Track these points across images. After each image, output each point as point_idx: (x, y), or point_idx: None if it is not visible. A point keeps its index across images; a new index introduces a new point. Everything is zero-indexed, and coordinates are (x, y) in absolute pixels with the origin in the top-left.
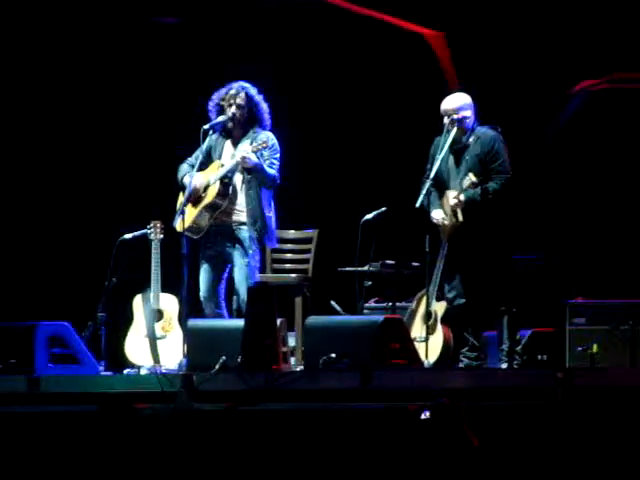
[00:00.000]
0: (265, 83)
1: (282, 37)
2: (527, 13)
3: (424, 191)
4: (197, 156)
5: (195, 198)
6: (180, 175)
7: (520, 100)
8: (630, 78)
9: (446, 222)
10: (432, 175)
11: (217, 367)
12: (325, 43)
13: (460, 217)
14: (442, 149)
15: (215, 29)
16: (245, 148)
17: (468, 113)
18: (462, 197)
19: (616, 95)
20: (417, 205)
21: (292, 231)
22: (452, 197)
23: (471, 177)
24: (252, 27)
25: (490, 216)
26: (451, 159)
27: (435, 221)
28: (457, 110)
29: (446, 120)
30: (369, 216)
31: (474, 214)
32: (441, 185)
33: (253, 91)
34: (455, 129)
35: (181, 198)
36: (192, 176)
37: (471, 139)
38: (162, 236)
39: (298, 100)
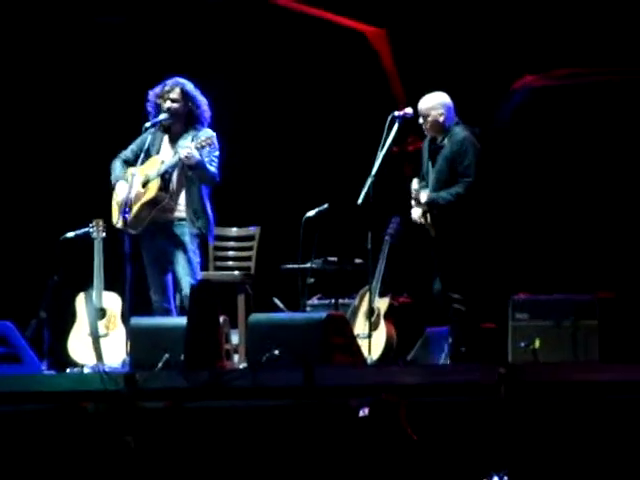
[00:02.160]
0: (206, 79)
1: (223, 34)
2: (468, 9)
3: (366, 188)
4: (132, 150)
5: (133, 197)
6: (113, 175)
7: (463, 97)
8: (571, 74)
9: (422, 221)
10: (374, 172)
11: (160, 365)
12: (267, 41)
13: (429, 219)
14: (382, 146)
15: (158, 27)
16: (187, 145)
17: (439, 112)
18: (423, 198)
19: (556, 92)
20: (359, 202)
21: (234, 228)
22: (417, 195)
23: (414, 183)
24: (193, 25)
25: (455, 218)
26: (429, 160)
27: (414, 220)
28: (429, 110)
29: (421, 120)
30: (311, 213)
31: (440, 216)
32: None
33: (189, 86)
34: (396, 127)
35: (116, 196)
36: (125, 181)
37: (446, 139)
38: (104, 234)
39: (240, 96)
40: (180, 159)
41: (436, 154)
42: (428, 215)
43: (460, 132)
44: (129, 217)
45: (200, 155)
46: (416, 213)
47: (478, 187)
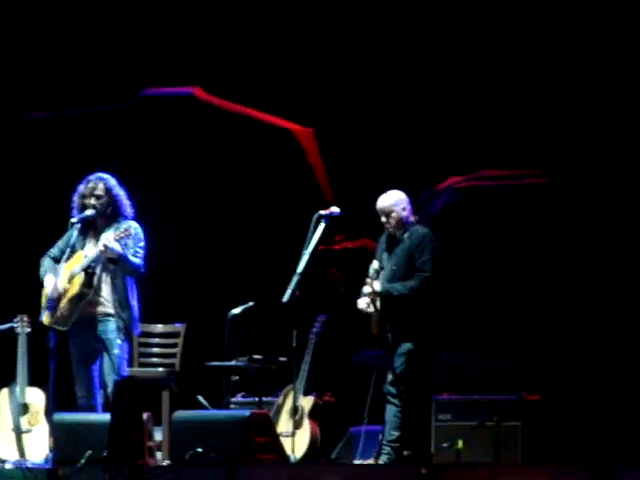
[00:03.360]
0: (132, 174)
1: (151, 129)
2: (396, 110)
3: (291, 286)
4: (59, 247)
5: (60, 292)
6: (42, 270)
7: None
8: (496, 176)
9: (369, 310)
10: (299, 270)
11: (83, 461)
12: (195, 136)
13: (377, 306)
14: (307, 245)
15: (85, 122)
16: (108, 237)
17: (402, 208)
18: (377, 287)
19: (482, 192)
20: (284, 300)
21: (160, 325)
22: (368, 286)
23: (374, 264)
24: (124, 120)
25: (406, 311)
26: (385, 252)
27: (359, 308)
28: (391, 207)
29: (383, 219)
30: (236, 310)
31: (390, 307)
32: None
33: (112, 182)
34: (322, 226)
35: (45, 291)
36: (53, 275)
37: (405, 234)
38: (29, 329)
39: (167, 192)
40: (101, 251)
41: (393, 247)
42: (377, 303)
43: (420, 229)
44: (55, 313)
45: (123, 246)
46: (363, 302)
47: (433, 283)
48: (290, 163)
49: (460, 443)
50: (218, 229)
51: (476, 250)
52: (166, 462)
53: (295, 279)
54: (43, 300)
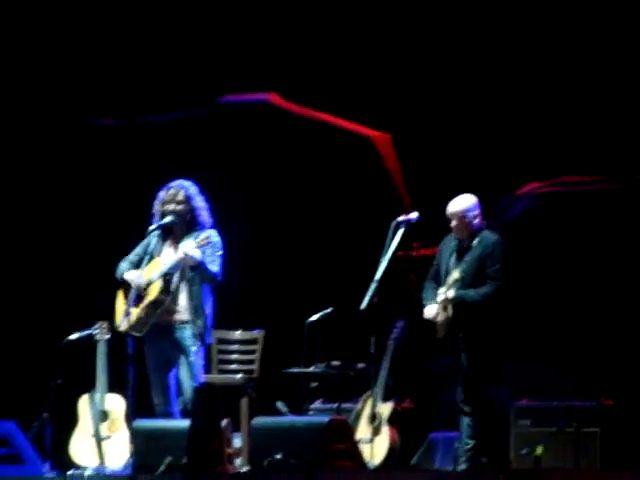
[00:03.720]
0: (211, 181)
1: (229, 137)
2: (475, 116)
3: (370, 292)
4: (137, 253)
5: (138, 296)
6: (119, 271)
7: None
8: (577, 182)
9: (438, 318)
10: (378, 276)
11: (162, 468)
12: (272, 143)
13: (450, 312)
14: (386, 251)
15: (157, 130)
16: (188, 245)
17: (474, 214)
18: (450, 294)
19: (563, 198)
20: (362, 307)
21: (238, 332)
22: (441, 293)
23: (455, 274)
24: (198, 125)
25: (479, 318)
26: (454, 258)
27: (426, 317)
28: (463, 212)
29: (453, 223)
30: (315, 317)
31: (463, 314)
32: (441, 283)
33: (193, 190)
34: (401, 232)
35: (120, 296)
36: (136, 274)
37: (475, 241)
38: (108, 336)
39: (245, 200)
40: (180, 259)
41: (462, 253)
42: (449, 309)
43: (491, 235)
44: (132, 319)
45: (202, 254)
46: (430, 311)
47: (505, 291)
48: (368, 169)
49: (539, 449)
50: (297, 237)
51: (554, 257)
52: (245, 468)
53: (373, 286)
54: (118, 303)
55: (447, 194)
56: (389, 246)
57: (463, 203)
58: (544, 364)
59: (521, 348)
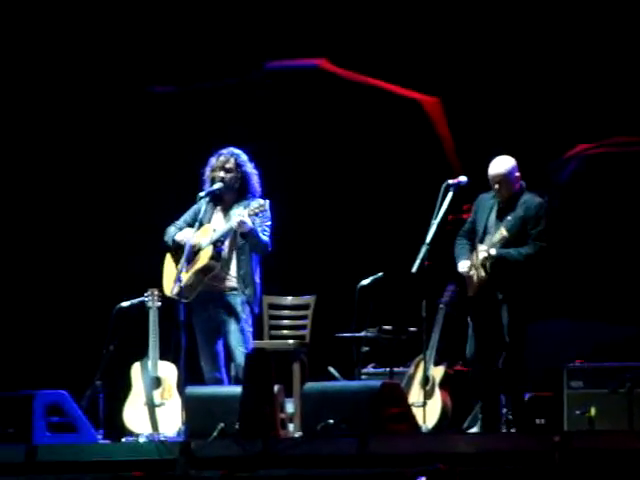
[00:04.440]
0: (259, 148)
1: (277, 102)
2: (523, 76)
3: (421, 256)
4: (186, 220)
5: (188, 260)
6: (167, 236)
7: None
8: (628, 142)
9: (472, 274)
10: (428, 240)
11: (215, 434)
12: (322, 109)
13: (487, 270)
14: (436, 214)
15: (210, 97)
16: (240, 212)
17: (516, 176)
18: (493, 251)
19: (614, 159)
20: (413, 270)
21: (289, 297)
22: (482, 250)
23: (502, 231)
24: (246, 93)
25: (518, 278)
26: (493, 217)
27: (460, 271)
28: (504, 174)
29: (496, 185)
30: (366, 281)
31: (503, 273)
32: (474, 239)
33: (243, 157)
34: (450, 195)
35: (169, 262)
36: (187, 234)
37: (518, 202)
38: (160, 303)
39: (294, 165)
40: (232, 227)
41: (503, 214)
42: (488, 266)
43: (535, 197)
44: (181, 285)
45: (252, 223)
46: (465, 265)
47: (547, 253)
48: (418, 133)
49: (593, 411)
50: (348, 201)
51: (604, 218)
52: (298, 434)
53: (424, 249)
54: (167, 269)
55: (496, 156)
56: (439, 209)
57: (506, 164)
58: (598, 324)
59: (574, 308)
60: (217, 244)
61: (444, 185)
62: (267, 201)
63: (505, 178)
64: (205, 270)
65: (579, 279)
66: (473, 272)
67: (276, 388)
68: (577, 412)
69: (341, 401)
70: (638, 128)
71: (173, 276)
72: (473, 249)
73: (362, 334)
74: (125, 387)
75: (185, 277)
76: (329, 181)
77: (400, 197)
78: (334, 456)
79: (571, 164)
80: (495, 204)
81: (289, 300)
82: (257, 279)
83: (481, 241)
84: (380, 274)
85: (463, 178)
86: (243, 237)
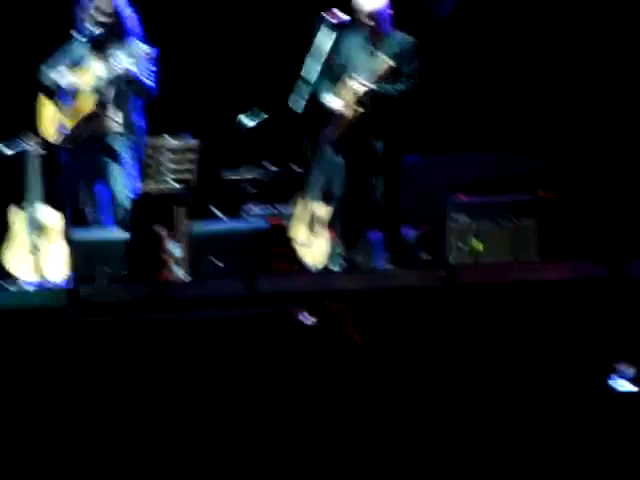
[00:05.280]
0: None
1: None
2: None
3: (303, 94)
4: (59, 60)
5: (69, 107)
6: (44, 75)
7: None
8: None
9: (345, 111)
10: (310, 78)
11: (103, 279)
12: None
13: (367, 106)
14: (316, 52)
15: None
16: (122, 58)
17: (389, 13)
18: (373, 86)
19: None
20: (299, 111)
21: (174, 140)
22: (360, 85)
23: (388, 61)
24: None
25: (392, 113)
26: (364, 54)
27: (331, 108)
28: (383, 10)
29: (370, 22)
30: (248, 122)
31: (380, 108)
32: (337, 76)
33: (121, 0)
34: (333, 37)
35: (44, 102)
36: (63, 74)
37: (389, 39)
38: (41, 150)
39: (170, 6)
40: (118, 73)
41: (373, 50)
42: (359, 106)
43: (407, 36)
44: (66, 132)
45: (137, 68)
46: (337, 102)
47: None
48: None
49: (477, 244)
50: (226, 40)
51: (487, 47)
52: (185, 276)
53: (306, 88)
54: (45, 112)
55: None
56: (319, 47)
57: (375, 1)
58: (482, 157)
59: (456, 141)
60: (101, 90)
61: (320, 20)
62: (154, 49)
63: (381, 14)
64: (90, 118)
65: (463, 111)
66: (345, 109)
67: (162, 232)
68: (461, 246)
69: (228, 242)
70: None
71: (52, 120)
72: (336, 83)
73: (245, 175)
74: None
75: (69, 124)
76: (206, 21)
77: (280, 34)
78: (222, 298)
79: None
80: (365, 42)
81: (174, 143)
82: (142, 124)
83: (348, 77)
84: (264, 115)
85: (343, 16)
86: (127, 83)
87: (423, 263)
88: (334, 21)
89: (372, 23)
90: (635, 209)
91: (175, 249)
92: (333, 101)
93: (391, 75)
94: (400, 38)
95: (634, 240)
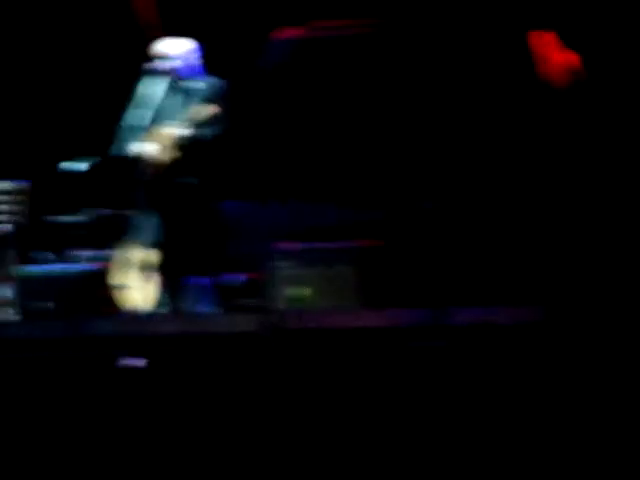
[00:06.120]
0: None
1: None
2: None
3: (132, 140)
4: None
5: None
6: None
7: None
8: (329, 26)
9: (159, 156)
10: (140, 124)
11: None
12: None
13: (181, 150)
14: (139, 100)
15: None
16: None
17: (195, 57)
18: (185, 131)
19: (316, 43)
20: (129, 155)
21: (4, 182)
22: (174, 130)
23: (203, 111)
24: None
25: (206, 157)
26: (174, 99)
27: (145, 154)
28: (190, 53)
29: (178, 64)
30: (74, 167)
31: (192, 152)
32: (152, 122)
33: None
34: (166, 84)
35: None
36: None
37: (199, 83)
38: None
39: None
40: None
41: (183, 96)
42: (173, 150)
43: (216, 80)
44: None
45: None
46: (152, 147)
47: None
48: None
49: (303, 291)
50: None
51: (312, 102)
52: (15, 317)
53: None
54: None
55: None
56: (138, 94)
57: (187, 44)
58: (303, 206)
59: (278, 190)
60: None
61: (144, 69)
62: None
63: (186, 59)
64: None
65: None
66: (159, 154)
67: None
68: (287, 293)
69: (56, 284)
70: (338, 12)
71: None
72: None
73: (75, 218)
74: None
75: None
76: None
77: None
78: (46, 339)
79: (278, 48)
80: (175, 87)
81: (3, 185)
82: None
83: (158, 123)
84: (97, 158)
85: (165, 64)
86: None
87: (249, 308)
88: (153, 69)
89: (177, 68)
90: (458, 256)
91: (5, 291)
92: (146, 147)
93: (203, 119)
94: (212, 81)
95: (456, 287)
